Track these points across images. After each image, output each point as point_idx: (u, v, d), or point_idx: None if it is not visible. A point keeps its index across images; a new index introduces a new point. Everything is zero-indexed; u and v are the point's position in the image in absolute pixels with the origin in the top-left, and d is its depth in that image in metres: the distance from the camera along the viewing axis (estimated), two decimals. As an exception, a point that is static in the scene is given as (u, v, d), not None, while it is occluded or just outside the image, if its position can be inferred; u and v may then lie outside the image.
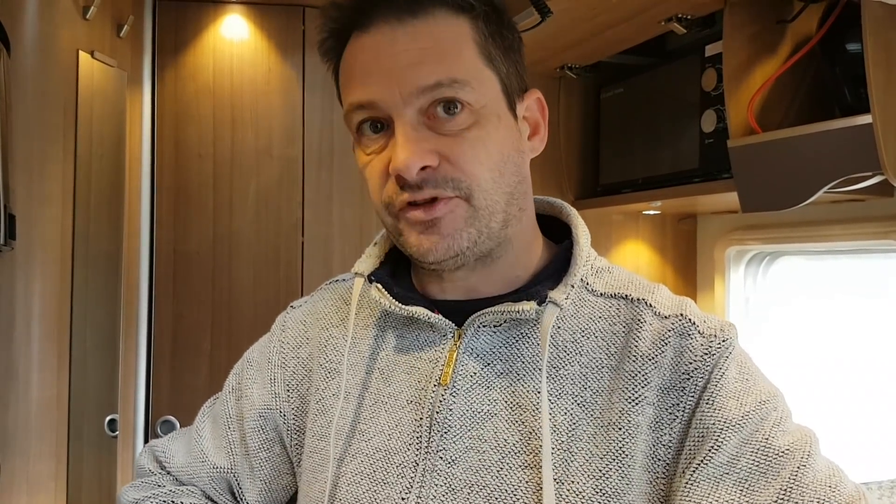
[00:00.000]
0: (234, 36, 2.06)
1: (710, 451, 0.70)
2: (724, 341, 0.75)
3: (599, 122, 2.15)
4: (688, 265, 2.26)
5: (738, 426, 0.71)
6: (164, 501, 0.92)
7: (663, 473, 0.73)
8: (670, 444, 0.73)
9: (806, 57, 1.51)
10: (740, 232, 2.06)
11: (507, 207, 0.78)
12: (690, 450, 0.72)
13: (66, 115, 1.68)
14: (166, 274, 2.03)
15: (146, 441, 1.96)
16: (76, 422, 1.78)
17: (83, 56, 1.72)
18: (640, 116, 1.97)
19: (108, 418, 1.99)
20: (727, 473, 0.70)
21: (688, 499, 0.70)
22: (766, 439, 0.71)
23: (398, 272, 0.88)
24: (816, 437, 0.74)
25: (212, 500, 0.94)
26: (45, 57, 1.65)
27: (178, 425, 1.97)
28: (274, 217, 2.07)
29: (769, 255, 2.09)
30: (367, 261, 0.87)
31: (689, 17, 1.64)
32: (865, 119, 1.30)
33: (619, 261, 2.22)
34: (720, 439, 0.71)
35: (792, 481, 0.70)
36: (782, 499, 0.69)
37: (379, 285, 0.83)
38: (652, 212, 2.16)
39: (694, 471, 0.71)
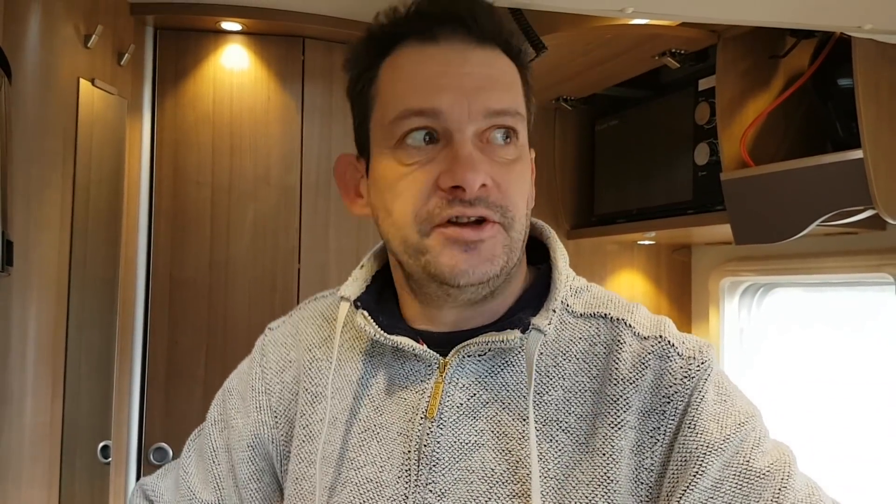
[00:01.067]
0: (234, 65, 2.09)
1: (694, 476, 0.71)
2: (702, 363, 0.75)
3: (594, 153, 2.18)
4: (683, 295, 2.27)
5: (719, 450, 0.71)
6: None
7: (647, 497, 0.73)
8: (652, 468, 0.73)
9: (798, 92, 1.53)
10: (734, 263, 2.07)
11: (522, 243, 0.79)
12: (674, 474, 0.72)
13: (65, 141, 1.69)
14: (162, 300, 2.03)
15: (139, 467, 1.95)
16: (69, 448, 1.77)
17: (84, 83, 1.74)
18: (634, 148, 1.99)
19: (100, 445, 1.98)
20: (712, 498, 0.71)
21: None
22: (747, 462, 0.72)
23: (384, 298, 0.87)
24: (793, 454, 0.75)
25: None
26: (45, 84, 1.67)
27: (170, 453, 1.96)
28: (271, 244, 2.08)
29: (763, 287, 2.10)
30: (354, 284, 0.86)
31: (682, 51, 1.67)
32: (857, 154, 1.31)
33: (614, 290, 2.22)
34: (703, 464, 0.71)
35: (774, 503, 0.71)
36: None
37: (364, 312, 0.82)
38: (647, 242, 2.17)
39: (680, 498, 0.71)
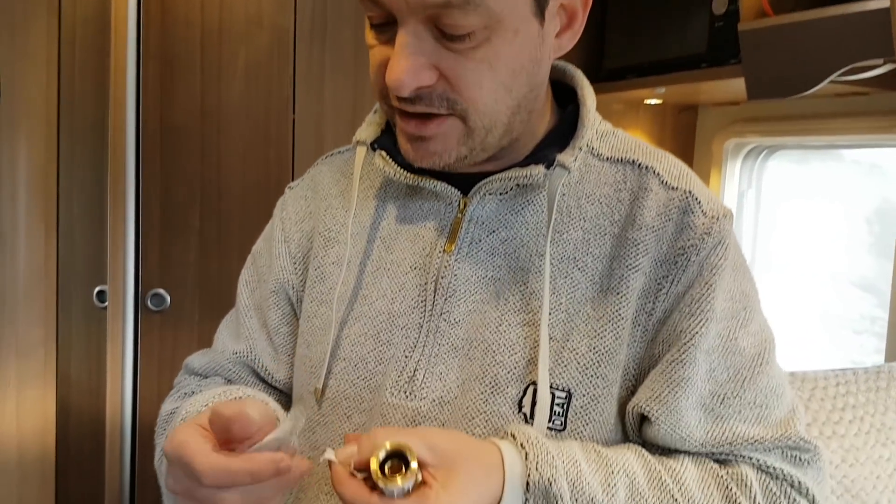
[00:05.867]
0: None
1: (694, 335, 0.74)
2: (723, 228, 0.76)
3: (607, 3, 2.07)
4: (685, 157, 2.23)
5: (719, 318, 0.75)
6: (186, 393, 0.93)
7: (640, 338, 0.76)
8: (651, 312, 0.75)
9: (824, -64, 1.44)
10: (740, 124, 2.03)
11: (510, 119, 0.74)
12: (676, 323, 0.75)
13: (47, -29, 1.60)
14: (153, 147, 1.98)
15: (136, 313, 1.96)
16: (65, 291, 1.77)
17: None
18: (648, -2, 1.89)
19: (96, 289, 1.98)
20: (704, 361, 0.74)
21: (669, 377, 0.74)
22: (735, 338, 0.76)
23: None
24: (774, 342, 0.80)
25: (235, 383, 0.94)
26: None
27: (168, 299, 1.97)
28: (264, 92, 2.01)
29: (767, 150, 2.07)
30: (369, 128, 0.85)
31: None
32: (880, 4, 1.26)
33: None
34: (706, 328, 0.74)
35: (749, 382, 0.76)
36: (738, 395, 0.76)
37: (383, 153, 0.81)
38: (654, 101, 2.11)
39: (681, 349, 0.74)
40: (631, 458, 0.73)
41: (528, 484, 0.66)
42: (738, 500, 0.74)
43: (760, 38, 1.48)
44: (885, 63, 1.35)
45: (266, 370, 0.92)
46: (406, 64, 0.67)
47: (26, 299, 1.66)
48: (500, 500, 0.65)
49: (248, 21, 1.98)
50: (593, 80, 2.19)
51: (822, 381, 1.10)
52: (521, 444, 0.68)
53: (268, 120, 2.02)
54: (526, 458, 0.67)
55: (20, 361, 1.66)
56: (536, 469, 0.67)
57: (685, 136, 2.23)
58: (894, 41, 1.26)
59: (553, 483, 0.66)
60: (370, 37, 0.73)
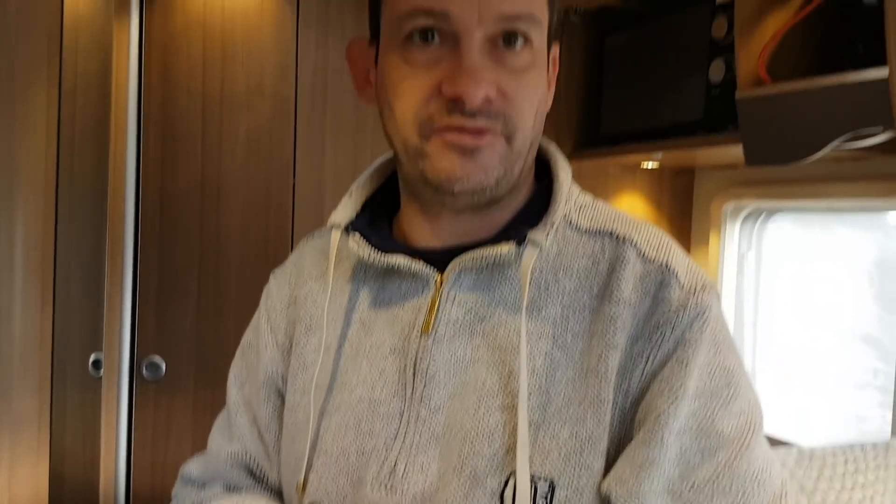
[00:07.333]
0: (225, -33, 1.98)
1: (661, 414, 0.69)
2: (701, 301, 0.73)
3: (603, 69, 2.10)
4: (683, 220, 2.24)
5: (693, 397, 0.70)
6: None
7: (620, 422, 0.72)
8: (628, 393, 0.72)
9: (819, 8, 1.47)
10: (738, 187, 2.04)
11: (528, 154, 0.76)
12: (649, 403, 0.71)
13: (50, 42, 1.61)
14: (153, 214, 1.97)
15: (132, 382, 1.93)
16: (60, 360, 1.75)
17: (68, -19, 1.65)
18: (645, 65, 1.92)
19: (92, 358, 1.95)
20: (674, 443, 0.70)
21: (634, 458, 0.70)
22: (712, 419, 0.71)
23: (376, 222, 0.85)
24: (761, 420, 0.74)
25: (235, 489, 0.91)
26: (28, -21, 1.58)
27: (164, 367, 1.94)
28: (265, 158, 2.01)
29: (765, 212, 2.07)
30: (344, 211, 0.84)
31: (702, -39, 1.59)
32: (879, 73, 1.26)
33: (615, 214, 2.19)
34: (676, 407, 0.69)
35: (726, 467, 0.70)
36: (713, 482, 0.69)
37: (357, 235, 0.80)
38: (651, 164, 2.12)
39: (648, 430, 0.70)
40: None
41: None
42: None
43: (758, 107, 1.49)
44: (884, 131, 1.35)
45: (261, 470, 0.89)
46: (479, 74, 0.69)
47: (21, 370, 1.63)
48: None
49: (250, 91, 1.99)
50: (590, 145, 2.21)
51: (831, 458, 1.07)
52: None
53: (268, 187, 2.02)
54: None
55: (13, 434, 1.63)
56: None
57: (683, 198, 2.24)
58: (893, 110, 1.26)
59: None
60: (404, 62, 0.72)
